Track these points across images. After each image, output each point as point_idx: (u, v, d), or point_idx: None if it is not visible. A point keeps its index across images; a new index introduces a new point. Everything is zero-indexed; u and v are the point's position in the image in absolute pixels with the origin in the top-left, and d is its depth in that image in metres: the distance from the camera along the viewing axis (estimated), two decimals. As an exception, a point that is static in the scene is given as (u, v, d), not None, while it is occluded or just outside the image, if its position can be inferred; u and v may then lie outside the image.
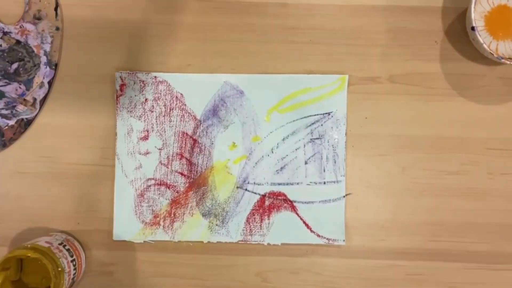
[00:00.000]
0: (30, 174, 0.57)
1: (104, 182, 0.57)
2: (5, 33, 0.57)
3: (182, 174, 0.57)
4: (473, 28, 0.53)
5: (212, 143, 0.58)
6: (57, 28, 0.57)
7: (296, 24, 0.58)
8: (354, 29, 0.58)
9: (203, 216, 0.57)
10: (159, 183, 0.57)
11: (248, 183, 0.57)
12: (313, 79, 0.57)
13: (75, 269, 0.53)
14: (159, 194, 0.57)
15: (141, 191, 0.57)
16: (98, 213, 0.57)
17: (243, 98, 0.58)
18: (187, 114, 0.58)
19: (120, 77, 0.57)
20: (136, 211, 0.57)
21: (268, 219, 0.57)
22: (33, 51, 0.57)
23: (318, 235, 0.57)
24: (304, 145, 0.57)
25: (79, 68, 0.58)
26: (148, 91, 0.58)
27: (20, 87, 0.57)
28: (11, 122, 0.57)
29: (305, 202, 0.57)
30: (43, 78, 0.57)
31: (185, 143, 0.58)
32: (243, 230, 0.57)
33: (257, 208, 0.57)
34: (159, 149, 0.58)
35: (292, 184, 0.57)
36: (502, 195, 0.57)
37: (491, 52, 0.53)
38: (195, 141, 0.58)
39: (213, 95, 0.58)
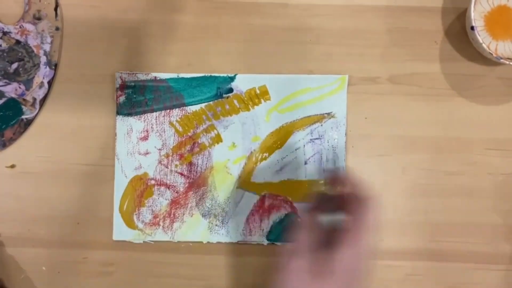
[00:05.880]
0: (30, 174, 0.57)
1: (104, 182, 0.57)
2: (5, 33, 0.57)
3: (181, 174, 0.57)
4: (472, 28, 0.53)
5: (212, 144, 0.58)
6: (57, 28, 0.57)
7: (296, 24, 0.58)
8: (354, 29, 0.58)
9: (202, 216, 0.57)
10: (158, 183, 0.57)
11: (248, 183, 0.57)
12: (313, 79, 0.57)
13: None
14: (159, 194, 0.57)
15: (140, 191, 0.57)
16: (98, 213, 0.57)
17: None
18: (187, 114, 0.58)
19: (120, 77, 0.57)
20: (136, 211, 0.57)
21: (268, 219, 0.57)
22: (33, 51, 0.57)
23: (318, 235, 0.57)
24: (304, 145, 0.57)
25: (79, 68, 0.58)
26: (148, 91, 0.57)
27: (20, 87, 0.57)
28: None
29: (305, 202, 0.57)
30: (43, 78, 0.57)
31: (185, 143, 0.58)
32: (243, 230, 0.57)
33: (257, 208, 0.57)
34: (159, 149, 0.57)
35: (292, 184, 0.57)
36: (502, 195, 0.57)
37: (490, 52, 0.53)
38: (194, 141, 0.58)
39: (213, 95, 0.58)
